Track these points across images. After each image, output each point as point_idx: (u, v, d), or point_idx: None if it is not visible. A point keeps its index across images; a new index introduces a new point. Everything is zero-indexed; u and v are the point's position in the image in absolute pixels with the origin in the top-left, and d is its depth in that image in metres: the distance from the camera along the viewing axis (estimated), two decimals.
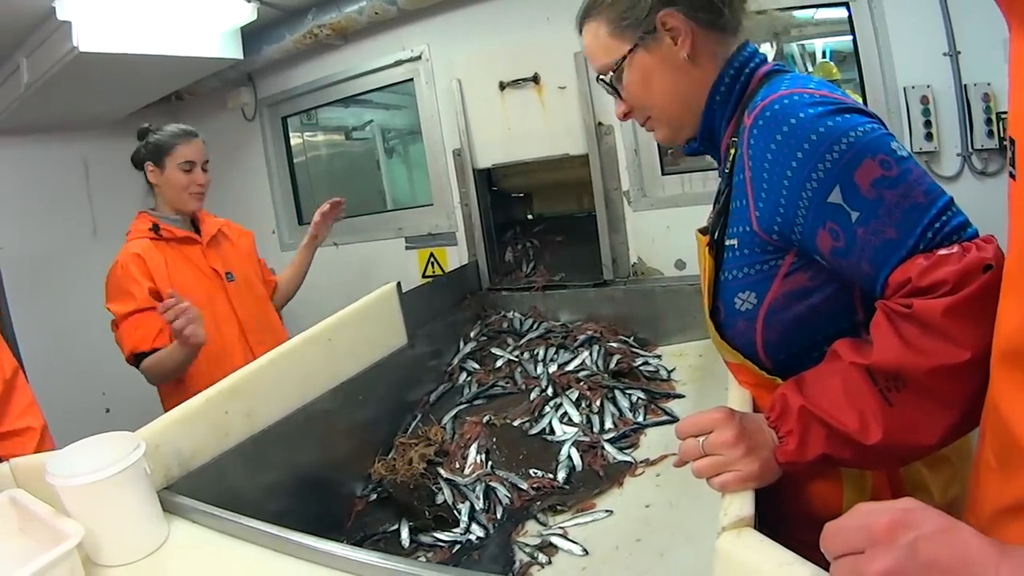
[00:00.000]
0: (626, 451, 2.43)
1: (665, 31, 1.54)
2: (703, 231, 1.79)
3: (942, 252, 1.17)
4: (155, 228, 3.08)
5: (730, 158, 1.57)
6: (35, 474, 1.78)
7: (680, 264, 3.57)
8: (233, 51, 4.03)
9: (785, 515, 1.42)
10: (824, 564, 0.82)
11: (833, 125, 1.26)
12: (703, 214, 3.29)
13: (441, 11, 3.97)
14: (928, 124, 2.90)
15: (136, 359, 2.85)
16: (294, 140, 5.27)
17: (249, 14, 3.72)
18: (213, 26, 3.85)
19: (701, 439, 1.30)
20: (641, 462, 2.34)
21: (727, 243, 1.56)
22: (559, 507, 2.21)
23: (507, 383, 3.03)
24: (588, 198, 3.70)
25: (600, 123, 3.58)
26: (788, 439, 1.28)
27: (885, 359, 1.19)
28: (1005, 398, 0.84)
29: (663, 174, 3.64)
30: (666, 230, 3.58)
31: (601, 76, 1.69)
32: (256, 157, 5.14)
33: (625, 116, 1.73)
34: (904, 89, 2.93)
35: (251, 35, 4.20)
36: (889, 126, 1.32)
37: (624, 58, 1.60)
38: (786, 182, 1.31)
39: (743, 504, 1.08)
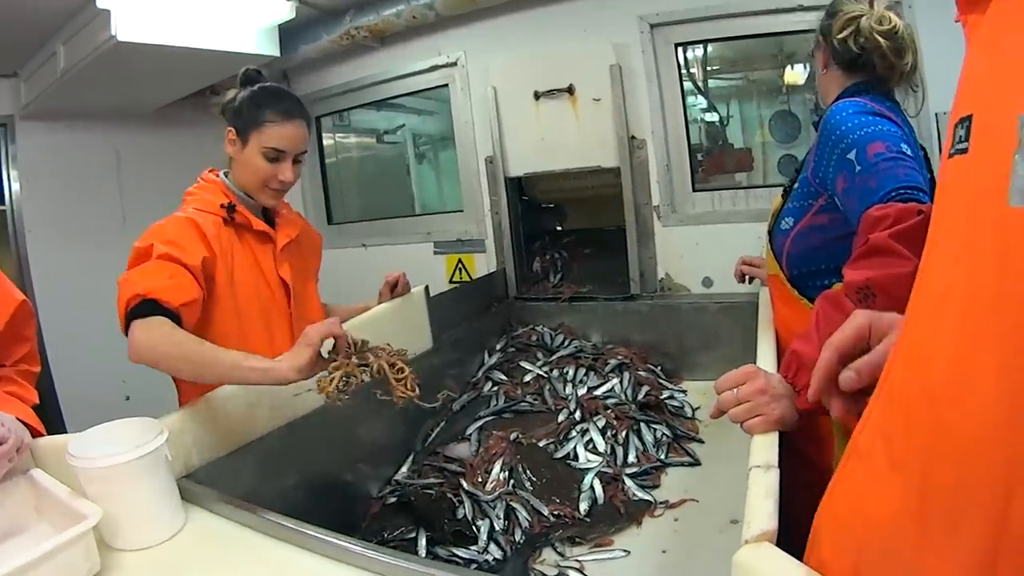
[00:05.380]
0: (647, 489, 2.42)
1: None
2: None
3: (894, 203, 1.68)
4: (230, 209, 2.37)
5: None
6: (54, 454, 1.78)
7: (707, 281, 3.56)
8: (270, 48, 4.04)
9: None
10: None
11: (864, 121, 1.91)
12: (732, 232, 3.34)
13: (479, 18, 3.98)
14: None
15: (143, 308, 1.96)
16: (326, 141, 5.30)
17: (287, 12, 3.72)
18: (251, 22, 3.85)
19: (736, 390, 1.55)
20: (661, 503, 2.34)
21: (794, 187, 2.20)
22: (577, 539, 2.20)
23: (536, 399, 3.03)
24: (618, 211, 3.68)
25: (633, 136, 3.58)
26: (805, 390, 1.41)
27: (853, 278, 1.63)
28: None
29: (694, 191, 3.64)
30: (695, 247, 3.57)
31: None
32: None
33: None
34: (936, 115, 2.91)
35: (288, 33, 4.19)
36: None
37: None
38: (830, 145, 1.93)
39: (766, 519, 1.07)
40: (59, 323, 4.32)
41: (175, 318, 1.98)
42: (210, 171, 2.52)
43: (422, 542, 2.20)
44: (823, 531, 0.92)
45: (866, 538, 0.79)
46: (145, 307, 1.96)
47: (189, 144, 5.24)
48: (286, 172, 2.39)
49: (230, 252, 2.34)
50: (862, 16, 2.05)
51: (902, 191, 1.69)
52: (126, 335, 1.96)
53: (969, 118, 0.79)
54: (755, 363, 1.75)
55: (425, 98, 4.79)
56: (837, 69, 2.17)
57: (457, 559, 2.14)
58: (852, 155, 1.84)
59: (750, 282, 2.94)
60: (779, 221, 2.24)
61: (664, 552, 2.09)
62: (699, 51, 3.85)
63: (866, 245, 1.65)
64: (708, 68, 4.00)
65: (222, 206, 2.36)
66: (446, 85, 4.28)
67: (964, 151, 0.78)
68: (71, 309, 4.55)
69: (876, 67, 2.09)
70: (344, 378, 1.89)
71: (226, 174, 2.48)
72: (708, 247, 3.54)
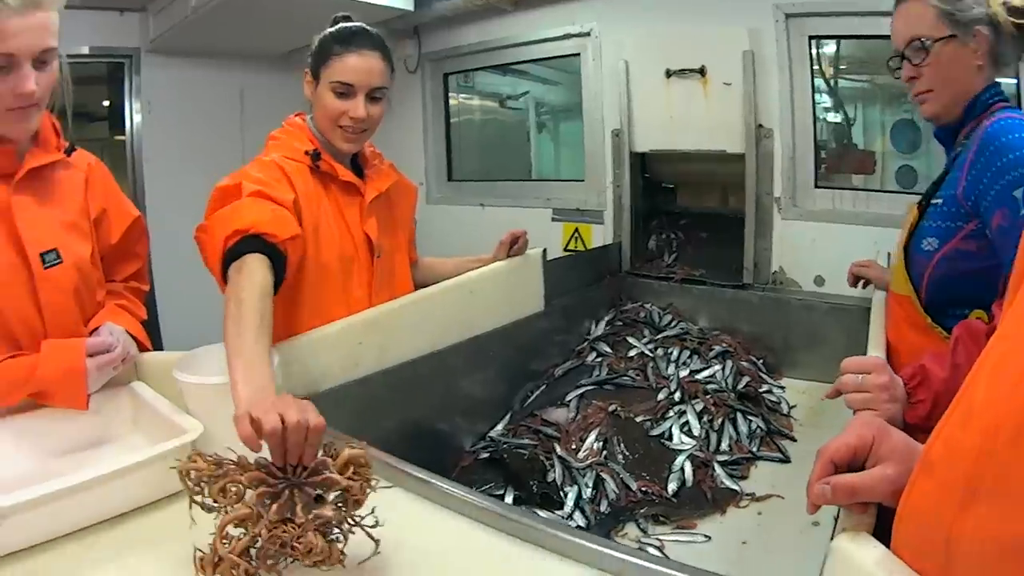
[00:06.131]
0: (735, 478, 2.41)
1: None
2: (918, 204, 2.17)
3: None
4: (315, 157, 2.22)
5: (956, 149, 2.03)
6: (158, 369, 1.81)
7: (819, 280, 3.49)
8: (404, 2, 4.07)
9: None
10: None
11: None
12: (849, 234, 3.26)
13: None
14: None
15: (244, 245, 1.76)
16: (450, 100, 5.31)
17: None
18: None
19: (860, 377, 1.53)
20: (747, 494, 2.33)
21: (933, 201, 2.03)
22: (662, 518, 2.21)
23: (638, 375, 3.02)
24: (737, 198, 3.66)
25: (760, 125, 3.51)
26: (920, 405, 1.52)
27: None
28: None
29: (816, 187, 3.57)
30: (811, 243, 3.51)
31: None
32: (412, 109, 5.21)
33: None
34: None
35: None
36: None
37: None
38: (994, 169, 1.75)
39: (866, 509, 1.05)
40: (167, 251, 4.38)
41: (281, 257, 1.83)
42: (296, 115, 2.40)
43: (508, 499, 2.22)
44: (899, 538, 0.90)
45: (952, 555, 0.75)
46: (246, 244, 1.77)
47: None
48: (358, 108, 2.20)
49: (316, 202, 2.20)
50: None
51: None
52: (224, 282, 1.74)
53: None
54: None
55: (550, 67, 4.82)
56: (991, 65, 1.92)
57: None
58: (1019, 192, 1.68)
59: (864, 286, 2.88)
60: (919, 240, 2.04)
61: (744, 543, 2.09)
62: (830, 48, 3.77)
63: None
64: (838, 66, 3.92)
65: (307, 153, 2.22)
66: (577, 54, 4.25)
67: None
68: (182, 240, 4.64)
69: None
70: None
71: (312, 119, 2.34)
72: (824, 245, 3.47)
